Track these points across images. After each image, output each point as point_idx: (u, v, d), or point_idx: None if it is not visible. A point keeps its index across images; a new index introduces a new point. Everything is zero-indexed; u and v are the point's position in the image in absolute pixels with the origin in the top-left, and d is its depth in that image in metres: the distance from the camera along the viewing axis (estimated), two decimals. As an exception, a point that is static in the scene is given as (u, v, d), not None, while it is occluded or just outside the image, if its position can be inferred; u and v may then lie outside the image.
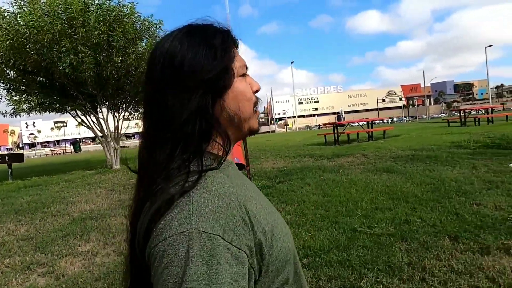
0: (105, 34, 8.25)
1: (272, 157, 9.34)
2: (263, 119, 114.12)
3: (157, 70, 0.56)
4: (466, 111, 13.05)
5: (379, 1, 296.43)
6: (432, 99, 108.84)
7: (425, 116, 64.52)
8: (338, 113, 26.79)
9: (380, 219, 3.68)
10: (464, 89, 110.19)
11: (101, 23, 8.22)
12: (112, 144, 10.42)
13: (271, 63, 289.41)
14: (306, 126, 61.82)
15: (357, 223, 3.64)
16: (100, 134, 10.82)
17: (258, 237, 0.52)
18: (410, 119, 69.25)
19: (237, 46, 0.63)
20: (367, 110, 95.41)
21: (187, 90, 0.54)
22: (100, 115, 10.81)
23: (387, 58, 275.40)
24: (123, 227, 4.26)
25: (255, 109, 0.62)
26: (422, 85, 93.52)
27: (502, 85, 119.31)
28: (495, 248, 2.79)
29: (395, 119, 79.84)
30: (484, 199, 4.03)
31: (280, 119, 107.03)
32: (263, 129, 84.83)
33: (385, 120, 78.36)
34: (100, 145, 11.56)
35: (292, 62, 57.13)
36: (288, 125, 78.17)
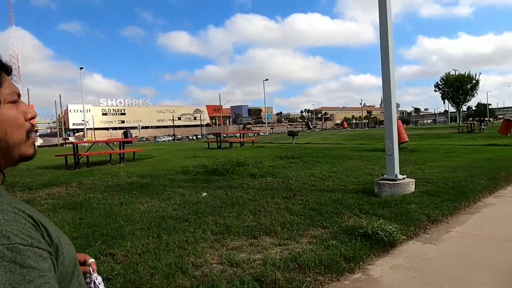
0: None
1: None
2: (56, 129, 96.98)
3: None
4: (221, 135, 14.52)
5: (189, 25, 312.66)
6: (231, 120, 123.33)
7: (225, 135, 72.05)
8: (127, 128, 25.24)
9: None
10: (255, 113, 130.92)
11: None
12: None
13: (73, 67, 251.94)
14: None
15: None
16: None
17: (47, 239, 0.57)
18: (211, 137, 75.33)
19: (9, 73, 0.63)
20: (175, 126, 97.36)
21: None
22: None
23: (197, 79, 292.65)
24: None
25: (29, 135, 0.64)
26: (223, 107, 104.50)
27: (281, 112, 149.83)
28: None
29: (199, 136, 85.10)
30: (126, 244, 3.55)
31: (78, 130, 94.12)
32: (53, 141, 71.13)
33: (191, 137, 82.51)
34: None
35: (81, 68, 51.21)
36: (67, 139, 68.66)
